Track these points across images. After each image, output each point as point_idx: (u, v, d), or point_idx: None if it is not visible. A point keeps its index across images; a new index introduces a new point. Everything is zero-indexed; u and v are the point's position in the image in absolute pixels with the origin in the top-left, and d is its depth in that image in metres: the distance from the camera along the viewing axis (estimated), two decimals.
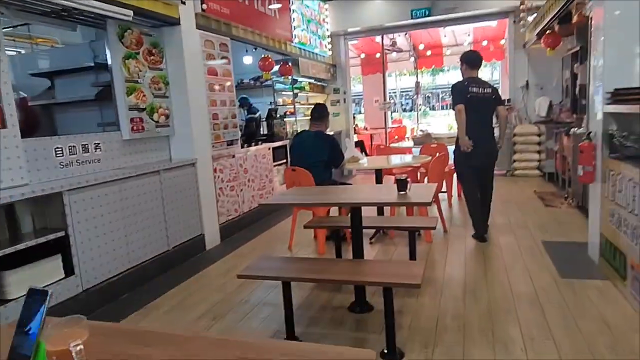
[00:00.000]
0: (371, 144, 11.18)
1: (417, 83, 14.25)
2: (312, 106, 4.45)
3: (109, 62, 3.83)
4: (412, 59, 13.29)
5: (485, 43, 12.32)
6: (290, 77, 7.38)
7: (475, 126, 4.11)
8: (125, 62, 3.86)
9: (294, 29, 6.88)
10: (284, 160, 6.62)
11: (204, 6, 4.53)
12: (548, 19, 5.88)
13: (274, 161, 6.14)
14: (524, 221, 4.85)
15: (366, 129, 11.35)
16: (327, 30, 8.47)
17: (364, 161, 5.02)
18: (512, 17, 7.87)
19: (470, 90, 4.09)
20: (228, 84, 5.06)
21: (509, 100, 8.13)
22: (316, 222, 3.39)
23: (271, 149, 6.06)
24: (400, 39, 11.48)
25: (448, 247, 4.15)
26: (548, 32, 6.06)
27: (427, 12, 7.86)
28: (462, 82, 4.20)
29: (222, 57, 4.96)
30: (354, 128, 10.27)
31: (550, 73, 7.76)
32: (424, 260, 3.01)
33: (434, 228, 3.07)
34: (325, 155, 4.08)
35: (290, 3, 6.78)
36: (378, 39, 10.63)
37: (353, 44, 12.69)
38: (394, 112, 24.48)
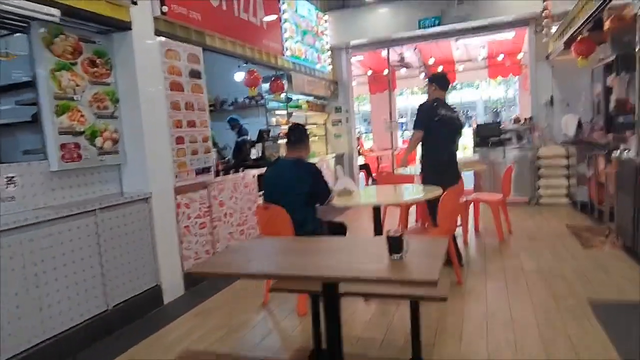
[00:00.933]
0: (378, 167, 10.33)
1: None
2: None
3: (36, 74, 3.07)
4: (422, 75, 12.45)
5: (501, 57, 11.46)
6: (282, 95, 6.60)
7: (445, 148, 4.03)
8: (55, 74, 3.09)
9: (286, 40, 6.12)
10: None
11: (165, 8, 3.77)
12: (579, 24, 5.02)
13: (260, 190, 5.30)
14: (560, 268, 3.90)
15: (372, 150, 10.50)
16: (327, 43, 7.72)
17: (371, 191, 4.17)
18: (533, 25, 7.02)
19: (439, 113, 3.93)
20: (199, 101, 4.27)
21: (531, 119, 7.23)
22: (285, 284, 2.52)
23: (256, 177, 5.23)
24: (409, 54, 10.69)
25: (464, 307, 3.22)
26: (580, 37, 5.18)
27: (436, 22, 7.07)
28: (430, 104, 4.00)
29: (191, 71, 4.19)
30: (359, 150, 9.43)
31: (577, 87, 6.86)
32: None
33: (445, 299, 2.18)
34: (306, 189, 3.21)
35: (281, 11, 6.04)
36: (385, 53, 9.88)
37: (359, 61, 11.98)
38: (406, 130, 23.67)
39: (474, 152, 7.23)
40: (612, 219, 4.65)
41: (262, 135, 6.82)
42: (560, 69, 6.90)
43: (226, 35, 4.74)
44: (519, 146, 7.07)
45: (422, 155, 4.11)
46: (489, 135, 7.09)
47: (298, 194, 3.19)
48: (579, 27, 5.08)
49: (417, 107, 4.14)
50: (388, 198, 3.90)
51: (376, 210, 3.61)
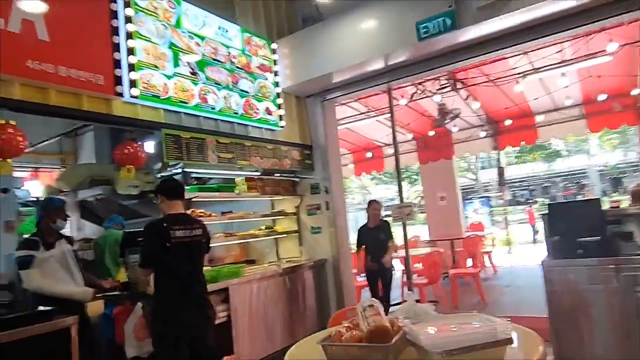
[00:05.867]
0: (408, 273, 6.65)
1: (501, 170, 9.47)
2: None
3: None
4: (483, 133, 8.86)
5: (603, 97, 7.54)
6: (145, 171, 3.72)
7: (184, 281, 2.96)
8: None
9: (135, 69, 3.30)
10: None
11: None
12: None
13: None
14: None
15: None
16: (275, 85, 4.80)
17: None
18: None
19: (173, 235, 2.89)
20: None
21: None
22: None
23: None
24: (458, 102, 7.31)
25: None
26: None
27: (449, 23, 3.83)
28: (159, 224, 2.93)
29: None
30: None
31: None
32: None
33: None
34: None
35: (118, 16, 3.30)
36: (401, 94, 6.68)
37: (397, 122, 8.90)
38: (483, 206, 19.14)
39: (546, 270, 3.37)
40: None
41: (133, 241, 3.94)
42: None
43: None
44: None
45: (154, 292, 2.96)
46: (577, 231, 3.30)
47: None
48: None
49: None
50: None
51: None
